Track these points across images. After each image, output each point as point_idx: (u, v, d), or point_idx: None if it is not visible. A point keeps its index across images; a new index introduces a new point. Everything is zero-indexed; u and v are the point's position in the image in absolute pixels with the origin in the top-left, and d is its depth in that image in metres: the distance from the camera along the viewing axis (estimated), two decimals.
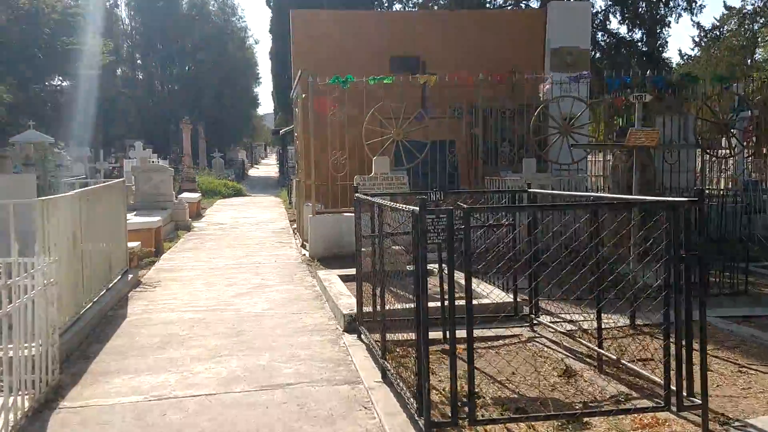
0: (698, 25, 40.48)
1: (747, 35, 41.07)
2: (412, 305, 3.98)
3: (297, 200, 14.36)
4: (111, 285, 8.17)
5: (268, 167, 62.65)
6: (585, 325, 5.67)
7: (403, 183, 8.61)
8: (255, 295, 8.09)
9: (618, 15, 19.60)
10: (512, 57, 13.65)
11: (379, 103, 11.10)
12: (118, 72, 43.59)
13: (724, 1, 19.52)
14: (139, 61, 47.23)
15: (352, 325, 6.27)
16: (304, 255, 11.19)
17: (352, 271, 8.97)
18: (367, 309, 5.71)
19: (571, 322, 5.99)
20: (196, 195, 19.32)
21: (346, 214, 11.16)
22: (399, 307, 5.58)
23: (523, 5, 20.33)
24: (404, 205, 4.12)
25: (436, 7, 20.14)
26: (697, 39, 35.24)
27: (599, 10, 18.72)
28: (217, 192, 25.57)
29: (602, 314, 4.91)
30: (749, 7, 39.26)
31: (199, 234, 14.29)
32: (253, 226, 15.81)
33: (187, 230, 14.71)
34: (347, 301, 6.91)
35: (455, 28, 14.77)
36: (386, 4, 21.57)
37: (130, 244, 9.69)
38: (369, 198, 5.05)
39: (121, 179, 9.23)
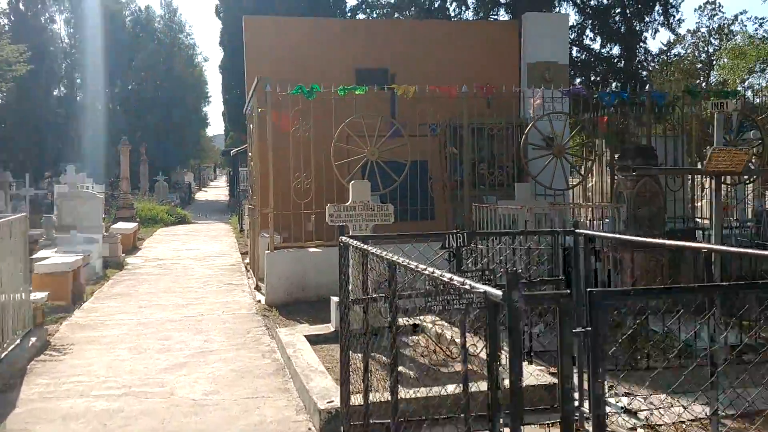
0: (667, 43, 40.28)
1: (701, 58, 40.99)
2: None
3: (251, 230, 12.34)
4: (2, 355, 6.07)
5: (217, 190, 59.94)
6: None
7: (388, 214, 6.76)
8: (195, 367, 6.06)
9: (593, 30, 18.47)
10: (486, 71, 12.21)
11: (351, 118, 9.29)
12: (55, 92, 40.71)
13: (678, 22, 18.86)
14: (78, 80, 44.30)
15: (333, 426, 4.33)
16: (259, 301, 9.19)
17: (324, 327, 7.07)
18: (357, 398, 3.83)
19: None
20: (132, 225, 17.03)
21: (312, 249, 9.27)
22: (410, 394, 3.74)
23: (492, 18, 18.97)
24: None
25: (401, 18, 18.56)
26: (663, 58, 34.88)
27: (574, 24, 17.47)
28: (158, 220, 23.19)
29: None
30: (704, 30, 39.18)
31: (133, 273, 12.08)
32: (198, 262, 13.67)
33: (118, 268, 12.47)
34: (322, 383, 4.96)
35: (425, 39, 13.23)
36: (349, 14, 19.86)
37: (38, 294, 7.56)
38: (374, 252, 3.14)
39: (22, 214, 7.11)
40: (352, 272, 3.82)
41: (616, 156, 9.88)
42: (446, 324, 5.87)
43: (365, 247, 3.17)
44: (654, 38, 31.79)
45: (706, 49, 41.13)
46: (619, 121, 11.83)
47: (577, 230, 4.10)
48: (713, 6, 40.35)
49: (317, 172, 9.44)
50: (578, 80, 17.35)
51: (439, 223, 11.12)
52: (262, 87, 9.28)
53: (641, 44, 18.71)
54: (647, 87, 15.01)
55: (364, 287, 3.43)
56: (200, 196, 50.77)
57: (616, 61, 18.04)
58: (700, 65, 41.86)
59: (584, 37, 18.36)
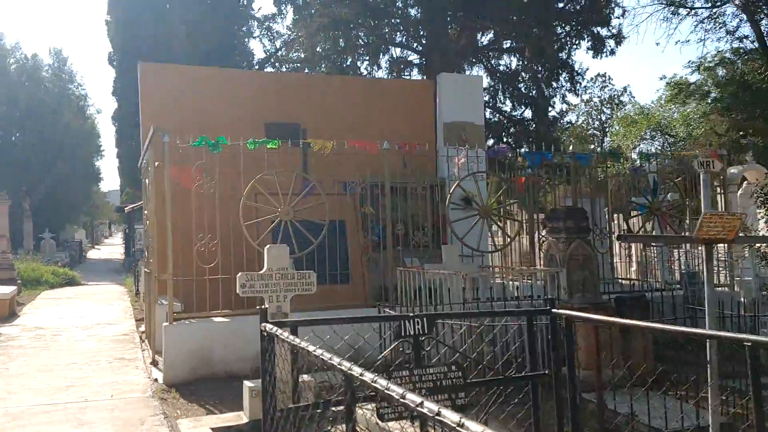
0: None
1: (594, 125, 43.25)
2: None
3: (147, 295, 11.09)
4: None
5: (112, 248, 56.44)
6: None
7: (309, 283, 5.95)
8: None
9: (503, 93, 18.76)
10: (402, 129, 11.92)
11: (262, 174, 8.51)
12: None
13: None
14: None
15: None
16: (156, 380, 8.01)
17: (235, 417, 6.09)
18: None
19: None
20: (10, 288, 15.17)
21: (218, 319, 8.26)
22: None
23: (406, 76, 18.89)
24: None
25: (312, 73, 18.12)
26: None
27: (486, 87, 17.66)
28: (42, 281, 21.05)
29: None
30: (596, 99, 41.50)
31: (4, 347, 10.47)
32: (86, 331, 12.15)
33: None
34: None
35: (339, 95, 12.79)
36: (257, 67, 19.16)
37: None
38: (320, 355, 2.34)
39: None
40: (279, 371, 3.00)
41: (542, 217, 9.57)
42: None
43: (303, 345, 2.38)
44: (562, 103, 33.36)
45: (599, 117, 43.46)
46: (535, 182, 11.70)
47: (554, 310, 3.48)
48: (604, 78, 42.90)
49: (224, 233, 8.52)
50: (491, 141, 17.42)
51: (355, 287, 10.39)
52: (158, 138, 8.35)
53: (551, 108, 19.21)
54: (560, 149, 15.11)
55: (295, 393, 2.63)
56: (93, 254, 47.53)
57: (527, 123, 18.32)
58: (593, 132, 44.14)
59: (496, 99, 18.62)
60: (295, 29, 17.47)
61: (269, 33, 19.52)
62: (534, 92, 18.93)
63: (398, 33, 18.48)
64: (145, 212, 10.05)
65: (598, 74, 43.35)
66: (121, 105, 24.76)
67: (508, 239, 10.28)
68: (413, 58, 19.22)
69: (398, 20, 18.41)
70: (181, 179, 8.35)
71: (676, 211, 11.36)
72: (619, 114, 42.74)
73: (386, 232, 9.61)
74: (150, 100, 11.34)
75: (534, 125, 18.16)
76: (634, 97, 43.97)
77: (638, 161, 12.18)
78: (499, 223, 10.00)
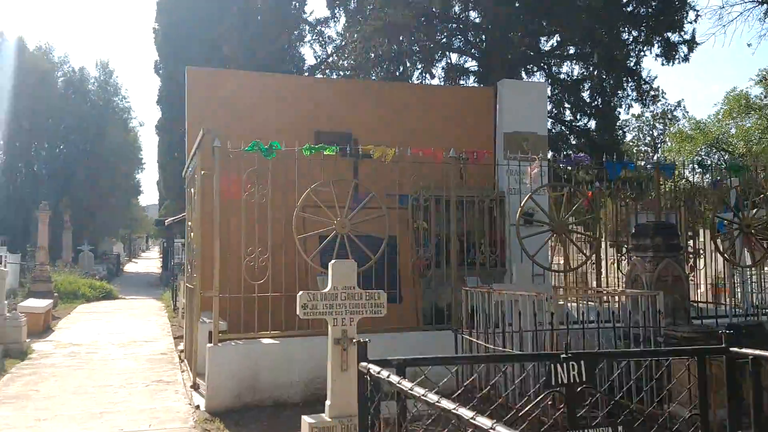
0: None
1: (645, 140, 41.86)
2: None
3: (187, 312, 10.45)
4: None
5: (149, 262, 56.72)
6: None
7: (379, 304, 5.20)
8: None
9: (566, 102, 17.87)
10: (459, 139, 11.13)
11: (318, 183, 7.82)
12: None
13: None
14: (0, 142, 41.48)
15: None
16: (198, 407, 7.34)
17: None
18: None
19: None
20: (46, 302, 14.78)
21: (266, 341, 7.56)
22: None
23: (462, 84, 18.15)
24: None
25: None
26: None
27: (548, 95, 16.78)
28: (79, 294, 20.75)
29: None
30: (648, 114, 40.13)
31: (36, 366, 9.95)
32: (122, 349, 11.60)
33: (20, 358, 10.32)
34: None
35: (392, 103, 12.13)
36: (307, 74, 18.61)
37: None
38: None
39: None
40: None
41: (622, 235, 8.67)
42: None
43: (439, 402, 1.61)
44: (627, 113, 32.03)
45: (650, 132, 42.10)
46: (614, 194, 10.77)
47: (731, 349, 2.65)
48: (656, 92, 41.53)
49: (275, 247, 7.82)
50: (550, 153, 16.49)
51: (406, 308, 9.62)
52: (208, 142, 7.73)
53: (617, 119, 18.23)
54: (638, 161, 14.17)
55: None
56: (130, 267, 47.69)
57: (592, 134, 17.37)
58: (644, 148, 42.80)
59: (559, 109, 17.71)
60: (348, 34, 16.89)
61: (321, 38, 19.05)
62: (598, 101, 17.98)
63: (455, 38, 17.80)
64: (189, 224, 9.44)
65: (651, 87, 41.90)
66: (166, 114, 24.56)
67: (582, 258, 9.38)
68: (470, 65, 18.55)
69: (456, 24, 17.73)
70: (231, 188, 7.70)
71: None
72: (672, 129, 41.25)
73: (446, 247, 8.82)
74: (197, 106, 10.85)
75: (599, 136, 17.19)
76: (687, 112, 42.40)
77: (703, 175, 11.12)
78: (574, 240, 9.11)
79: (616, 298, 8.19)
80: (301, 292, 5.15)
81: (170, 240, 32.50)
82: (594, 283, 10.51)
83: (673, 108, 41.50)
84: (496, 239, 10.44)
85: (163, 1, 23.16)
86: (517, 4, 15.54)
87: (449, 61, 18.40)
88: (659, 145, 41.69)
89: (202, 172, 8.11)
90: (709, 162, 10.01)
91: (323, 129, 11.45)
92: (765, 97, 35.60)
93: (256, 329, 7.64)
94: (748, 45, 41.99)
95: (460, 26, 17.87)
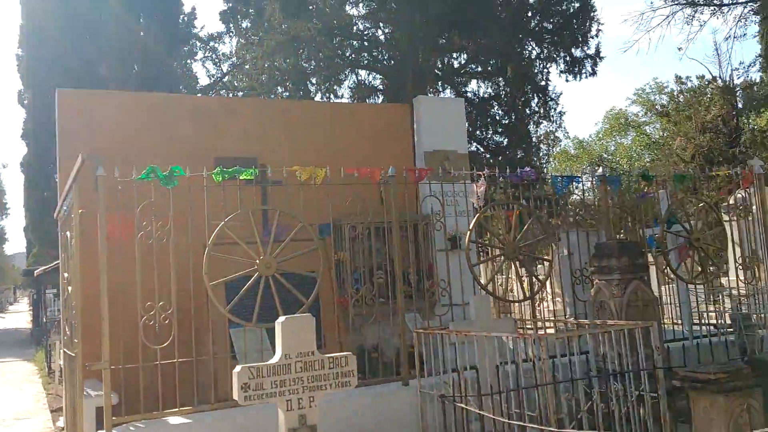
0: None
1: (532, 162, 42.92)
2: None
3: (68, 386, 8.43)
4: None
5: (18, 316, 51.21)
6: None
7: (348, 372, 3.82)
8: None
9: (478, 120, 17.26)
10: (377, 161, 9.92)
11: (234, 214, 6.36)
12: None
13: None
14: None
15: None
16: None
17: None
18: None
19: None
20: None
21: (174, 420, 5.93)
22: None
23: (371, 101, 17.07)
24: None
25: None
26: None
27: None
28: None
29: None
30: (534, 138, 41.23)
31: None
32: None
33: None
34: None
35: (302, 122, 10.82)
36: (199, 94, 16.80)
37: None
38: None
39: None
40: None
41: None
42: None
43: None
44: (537, 131, 32.10)
45: (536, 152, 43.18)
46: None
47: None
48: (538, 114, 42.73)
49: (181, 299, 6.23)
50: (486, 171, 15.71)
51: (330, 352, 8.19)
52: (89, 171, 6.07)
53: (530, 136, 17.82)
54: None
55: None
56: None
57: (509, 152, 16.83)
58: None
59: (472, 126, 17.04)
60: (246, 50, 15.37)
61: (214, 55, 17.37)
62: (510, 118, 17.53)
63: (363, 55, 16.75)
64: (65, 275, 7.58)
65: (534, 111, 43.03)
66: (33, 149, 21.72)
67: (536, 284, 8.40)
68: (378, 83, 17.52)
69: (362, 41, 16.70)
70: (120, 227, 6.06)
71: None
72: (555, 150, 42.38)
73: (372, 281, 7.56)
74: (70, 134, 9.06)
75: (515, 153, 16.65)
76: (567, 132, 43.77)
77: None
78: (526, 265, 8.11)
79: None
80: (239, 368, 3.69)
81: (41, 291, 29.04)
82: (545, 311, 9.63)
83: (554, 129, 42.69)
84: (424, 267, 9.39)
85: (27, 24, 20.62)
86: (424, 21, 14.78)
87: (358, 78, 17.41)
88: (544, 166, 42.71)
89: (80, 211, 6.37)
90: (653, 174, 9.35)
91: (224, 155, 9.91)
92: (643, 114, 37.39)
93: (161, 406, 5.98)
94: (679, 49, 44.15)
95: (365, 43, 16.91)
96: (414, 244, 9.19)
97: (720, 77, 27.26)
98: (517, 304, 10.81)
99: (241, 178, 6.65)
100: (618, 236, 9.83)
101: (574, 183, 8.77)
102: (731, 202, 10.51)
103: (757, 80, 25.79)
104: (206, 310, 6.62)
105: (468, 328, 6.37)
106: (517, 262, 7.68)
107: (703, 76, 28.74)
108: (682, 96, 29.82)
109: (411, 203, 9.95)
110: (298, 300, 6.78)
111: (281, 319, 3.87)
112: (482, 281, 8.41)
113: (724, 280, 11.92)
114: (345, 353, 3.95)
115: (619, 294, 6.96)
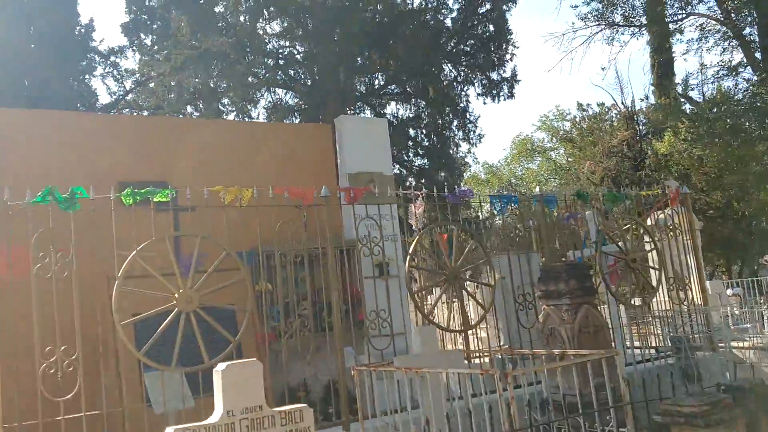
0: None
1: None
2: None
3: None
4: None
5: None
6: None
7: (304, 428, 3.20)
8: None
9: (400, 143, 16.96)
10: (300, 182, 9.36)
11: (148, 241, 5.61)
12: None
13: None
14: None
15: None
16: None
17: None
18: None
19: None
20: None
21: None
22: None
23: (287, 121, 16.37)
24: None
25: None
26: None
27: None
28: None
29: None
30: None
31: None
32: None
33: None
34: None
35: (217, 143, 10.04)
36: (99, 113, 15.48)
37: None
38: None
39: None
40: None
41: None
42: None
43: None
44: (457, 152, 31.75)
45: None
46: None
47: None
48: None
49: (87, 342, 5.40)
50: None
51: None
52: None
53: (453, 158, 17.68)
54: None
55: None
56: None
57: (433, 174, 16.59)
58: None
59: (395, 148, 16.73)
60: (151, 66, 14.28)
61: (116, 71, 16.10)
62: (432, 140, 17.35)
63: (279, 73, 16.06)
64: None
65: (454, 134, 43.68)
66: None
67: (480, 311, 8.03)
68: (296, 102, 16.86)
69: (278, 59, 16.02)
70: (12, 259, 5.20)
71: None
72: (465, 175, 43.10)
73: (297, 312, 6.95)
74: None
75: (437, 175, 16.44)
76: (476, 158, 44.58)
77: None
78: (469, 290, 7.71)
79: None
80: (169, 430, 2.98)
81: None
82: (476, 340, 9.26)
83: (464, 155, 43.49)
84: (351, 296, 8.84)
85: None
86: (344, 40, 14.38)
87: (274, 97, 16.70)
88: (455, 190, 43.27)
89: None
90: (587, 192, 9.25)
91: (129, 178, 8.98)
92: (548, 140, 38.63)
93: None
94: (602, 69, 45.49)
95: (280, 61, 16.27)
96: (341, 271, 8.66)
97: (623, 102, 28.51)
98: (448, 333, 10.43)
99: (155, 200, 5.91)
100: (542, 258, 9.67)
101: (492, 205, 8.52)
102: (655, 222, 10.59)
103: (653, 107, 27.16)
104: (117, 353, 5.77)
105: (415, 363, 5.86)
106: (459, 287, 7.27)
107: (603, 103, 29.95)
108: (584, 122, 30.91)
109: (334, 228, 9.43)
110: (223, 338, 6.07)
111: (221, 366, 3.22)
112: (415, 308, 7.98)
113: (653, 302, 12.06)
114: (300, 406, 3.33)
115: (569, 320, 6.66)
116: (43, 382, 5.16)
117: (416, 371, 5.49)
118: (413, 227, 7.49)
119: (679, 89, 24.28)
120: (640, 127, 26.74)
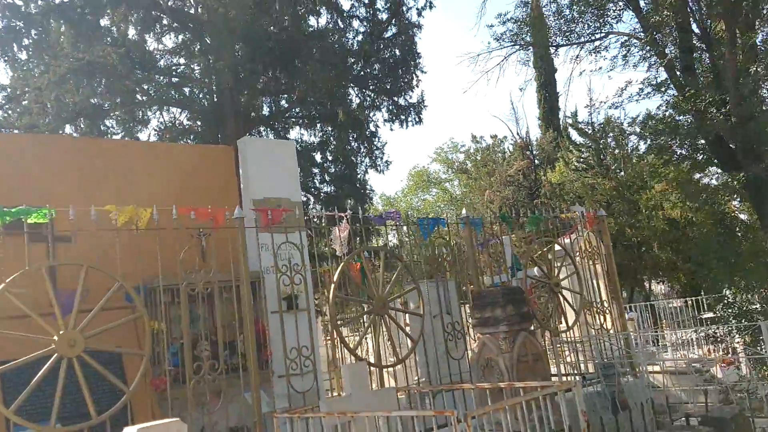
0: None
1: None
2: None
3: None
4: None
5: None
6: None
7: None
8: None
9: (305, 169, 16.13)
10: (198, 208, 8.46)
11: (20, 272, 4.61)
12: None
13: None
14: None
15: None
16: None
17: None
18: None
19: None
20: None
21: None
22: None
23: (182, 142, 15.05)
24: None
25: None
26: None
27: None
28: None
29: None
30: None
31: None
32: None
33: None
34: None
35: (103, 165, 8.94)
36: None
37: None
38: None
39: None
40: None
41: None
42: None
43: None
44: (366, 179, 30.25)
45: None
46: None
47: None
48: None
49: None
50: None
51: None
52: None
53: (364, 185, 17.00)
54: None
55: None
56: None
57: (342, 201, 15.84)
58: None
59: (303, 174, 15.88)
60: (25, 80, 12.61)
61: None
62: (339, 166, 16.64)
63: (172, 92, 14.81)
64: None
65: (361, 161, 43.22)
66: None
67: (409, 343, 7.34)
68: (191, 123, 15.63)
69: (171, 77, 14.79)
70: None
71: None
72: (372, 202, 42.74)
73: (194, 353, 6.03)
74: None
75: (345, 203, 15.70)
76: (373, 189, 44.55)
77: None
78: (398, 322, 7.04)
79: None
80: None
81: None
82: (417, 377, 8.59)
83: (368, 183, 43.32)
84: (257, 332, 7.95)
85: None
86: (245, 59, 13.51)
87: (168, 116, 15.42)
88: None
89: None
90: (511, 215, 8.91)
91: None
92: (444, 172, 39.08)
93: None
94: (520, 89, 45.71)
95: (173, 79, 15.09)
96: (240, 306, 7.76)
97: (518, 133, 29.23)
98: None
99: (29, 222, 4.89)
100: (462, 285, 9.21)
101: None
102: (568, 245, 10.41)
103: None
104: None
105: (346, 406, 5.11)
106: (386, 319, 6.60)
107: (496, 135, 30.58)
108: (478, 154, 31.41)
109: (236, 257, 8.52)
110: (111, 387, 5.09)
111: (131, 430, 2.36)
112: (333, 345, 7.23)
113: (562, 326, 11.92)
114: None
115: (507, 349, 6.19)
116: None
117: (350, 415, 4.75)
118: (337, 252, 6.77)
119: (570, 121, 25.14)
120: (534, 156, 27.45)
